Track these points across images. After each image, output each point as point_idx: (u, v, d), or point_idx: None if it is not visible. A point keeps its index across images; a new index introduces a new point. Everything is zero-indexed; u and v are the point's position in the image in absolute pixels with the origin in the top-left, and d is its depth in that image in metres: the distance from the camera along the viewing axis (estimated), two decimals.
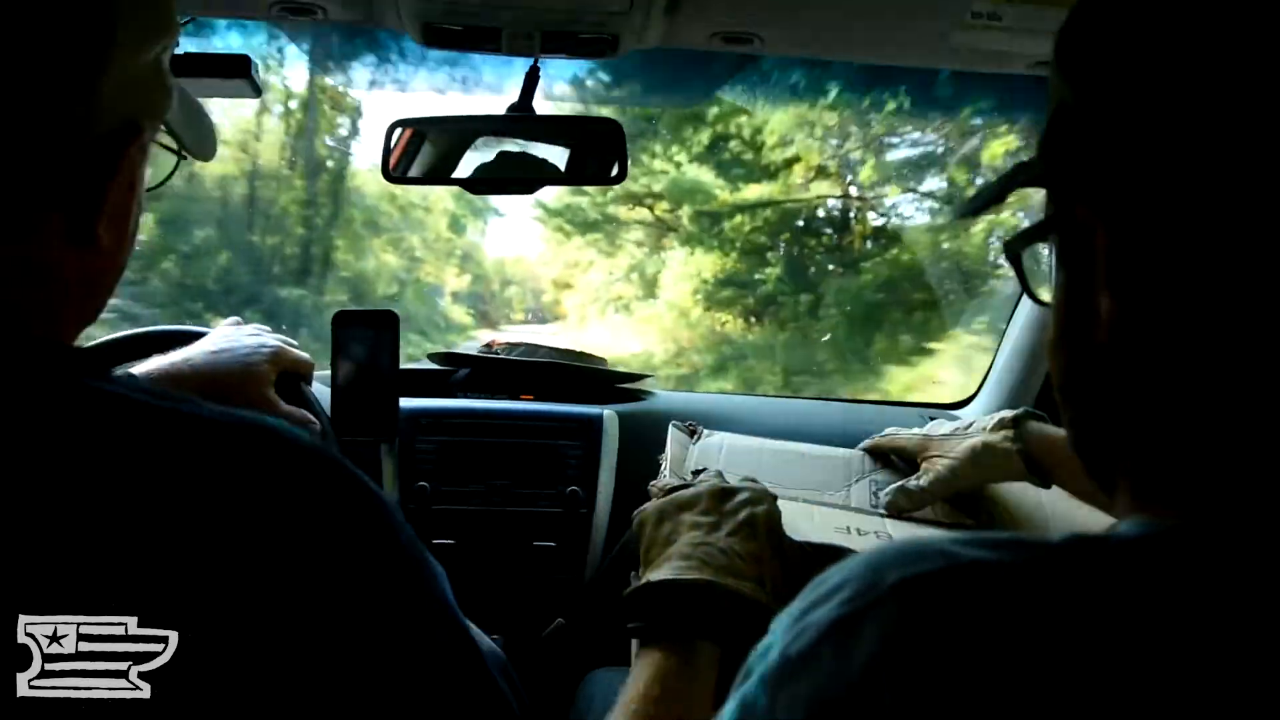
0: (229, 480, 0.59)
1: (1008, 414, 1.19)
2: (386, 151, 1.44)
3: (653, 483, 1.15)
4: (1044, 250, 0.62)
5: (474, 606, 0.73)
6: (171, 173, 0.82)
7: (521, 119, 1.42)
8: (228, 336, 1.25)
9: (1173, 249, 0.50)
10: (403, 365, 1.45)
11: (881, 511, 1.20)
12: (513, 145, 1.48)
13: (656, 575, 0.95)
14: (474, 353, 1.84)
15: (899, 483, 1.22)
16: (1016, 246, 0.62)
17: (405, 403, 1.58)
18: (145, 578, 0.55)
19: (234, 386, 1.19)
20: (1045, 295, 0.62)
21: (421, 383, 1.78)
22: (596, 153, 1.47)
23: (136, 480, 0.57)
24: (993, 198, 0.63)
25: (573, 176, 1.52)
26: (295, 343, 1.31)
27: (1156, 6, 0.53)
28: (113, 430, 0.58)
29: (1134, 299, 0.52)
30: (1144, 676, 0.43)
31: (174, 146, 0.79)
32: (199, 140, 0.78)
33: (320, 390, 1.43)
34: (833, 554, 1.04)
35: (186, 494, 0.57)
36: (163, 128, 0.71)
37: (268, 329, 1.31)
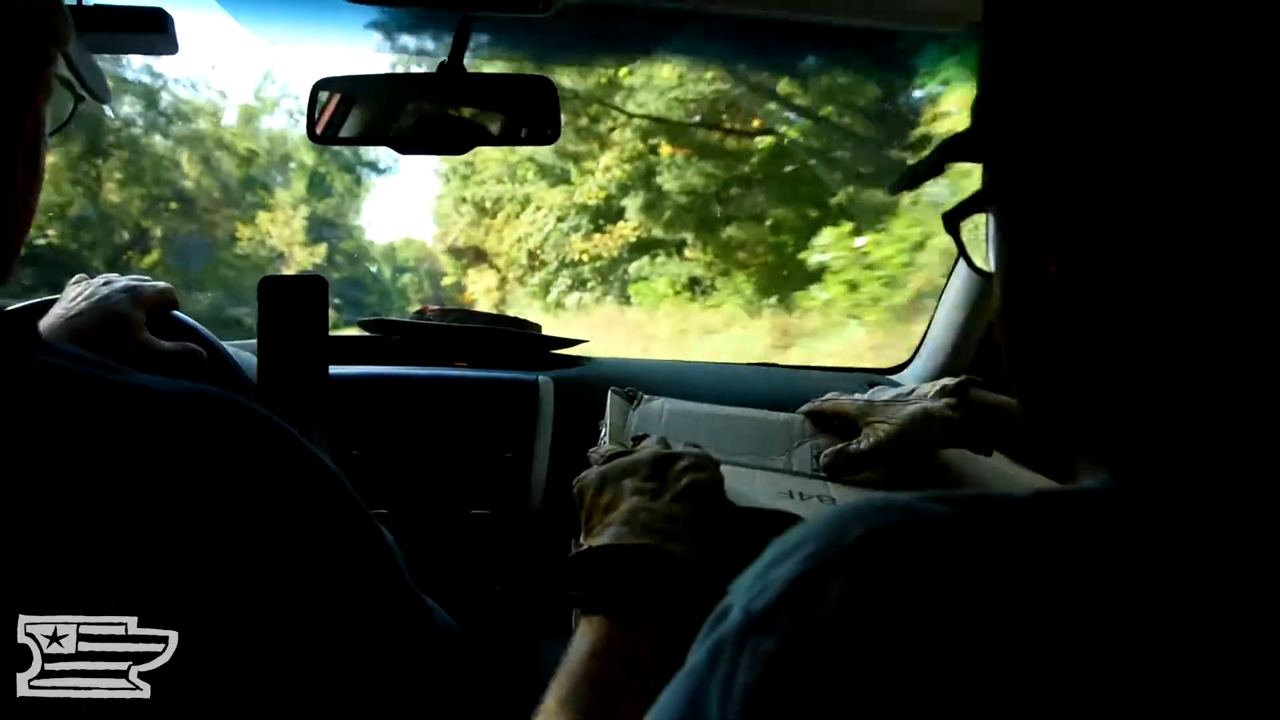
0: (195, 459, 0.59)
1: (949, 381, 1.19)
2: (311, 112, 1.40)
3: (593, 449, 1.13)
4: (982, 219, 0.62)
5: (412, 576, 0.72)
6: (73, 113, 0.78)
7: (452, 78, 1.39)
8: (80, 295, 1.22)
9: (1116, 213, 0.50)
10: (332, 332, 1.42)
11: (824, 475, 1.20)
12: (444, 105, 1.44)
13: (597, 542, 0.93)
14: (406, 319, 1.80)
15: (839, 445, 1.21)
16: (956, 218, 0.62)
17: (336, 370, 1.54)
18: (122, 567, 0.54)
19: (109, 339, 1.16)
20: (983, 264, 0.62)
21: (352, 351, 1.74)
22: (529, 112, 1.44)
23: (101, 460, 0.56)
24: (929, 171, 0.63)
25: (506, 137, 1.49)
26: (146, 277, 1.28)
27: None
28: (69, 408, 0.57)
29: (1079, 266, 0.52)
30: (1111, 626, 0.43)
31: (74, 85, 0.75)
32: (96, 80, 0.74)
33: (249, 359, 1.39)
34: (776, 519, 1.03)
35: (150, 470, 0.57)
36: (63, 64, 0.69)
37: (115, 274, 1.27)
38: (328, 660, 0.60)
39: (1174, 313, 0.49)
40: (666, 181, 6.00)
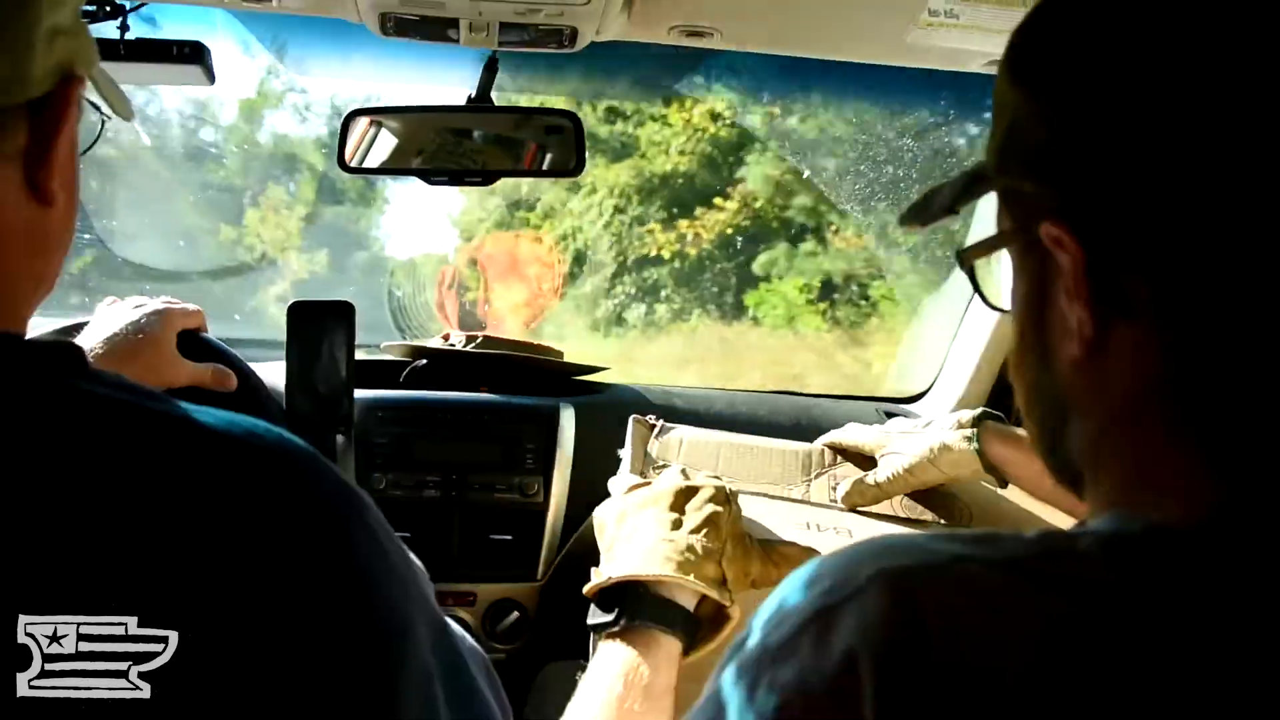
0: (222, 484, 0.59)
1: (966, 414, 1.20)
2: (342, 141, 1.43)
3: (613, 480, 1.15)
4: (997, 259, 0.63)
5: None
6: (100, 133, 0.80)
7: (480, 110, 1.41)
8: (111, 317, 1.23)
9: (1157, 257, 0.51)
10: (358, 357, 1.44)
11: (841, 507, 1.21)
12: (471, 137, 1.47)
13: (618, 571, 0.95)
14: (430, 345, 1.82)
15: (856, 477, 1.23)
16: (972, 257, 0.63)
17: (360, 394, 1.56)
18: (144, 578, 0.54)
19: (139, 360, 1.18)
20: (1001, 303, 0.63)
21: (377, 374, 1.76)
22: (554, 145, 1.46)
23: (129, 485, 0.56)
24: (944, 209, 0.64)
25: (530, 169, 1.51)
26: (175, 300, 1.29)
27: (1116, 13, 0.53)
28: (106, 434, 0.58)
29: (1113, 309, 0.53)
30: (1117, 667, 0.44)
31: (98, 105, 0.77)
32: (119, 99, 0.76)
33: (276, 382, 1.41)
34: (795, 551, 1.05)
35: (179, 499, 0.57)
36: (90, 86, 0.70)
37: (145, 298, 1.29)
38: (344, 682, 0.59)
39: (1219, 361, 0.50)
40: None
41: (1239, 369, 0.50)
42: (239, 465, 0.60)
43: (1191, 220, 0.49)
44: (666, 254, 4.52)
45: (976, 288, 0.64)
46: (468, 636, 0.78)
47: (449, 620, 0.72)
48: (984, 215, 1.52)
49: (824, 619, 0.49)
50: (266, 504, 0.59)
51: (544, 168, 1.50)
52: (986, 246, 0.62)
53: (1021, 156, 0.57)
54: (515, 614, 1.53)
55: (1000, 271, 0.63)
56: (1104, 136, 0.52)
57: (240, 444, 0.61)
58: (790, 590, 0.52)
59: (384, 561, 0.64)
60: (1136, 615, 0.45)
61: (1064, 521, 1.14)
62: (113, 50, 1.20)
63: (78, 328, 1.26)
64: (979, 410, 1.20)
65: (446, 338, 1.84)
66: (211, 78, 1.30)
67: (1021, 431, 1.15)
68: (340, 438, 1.44)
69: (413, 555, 0.69)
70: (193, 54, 1.25)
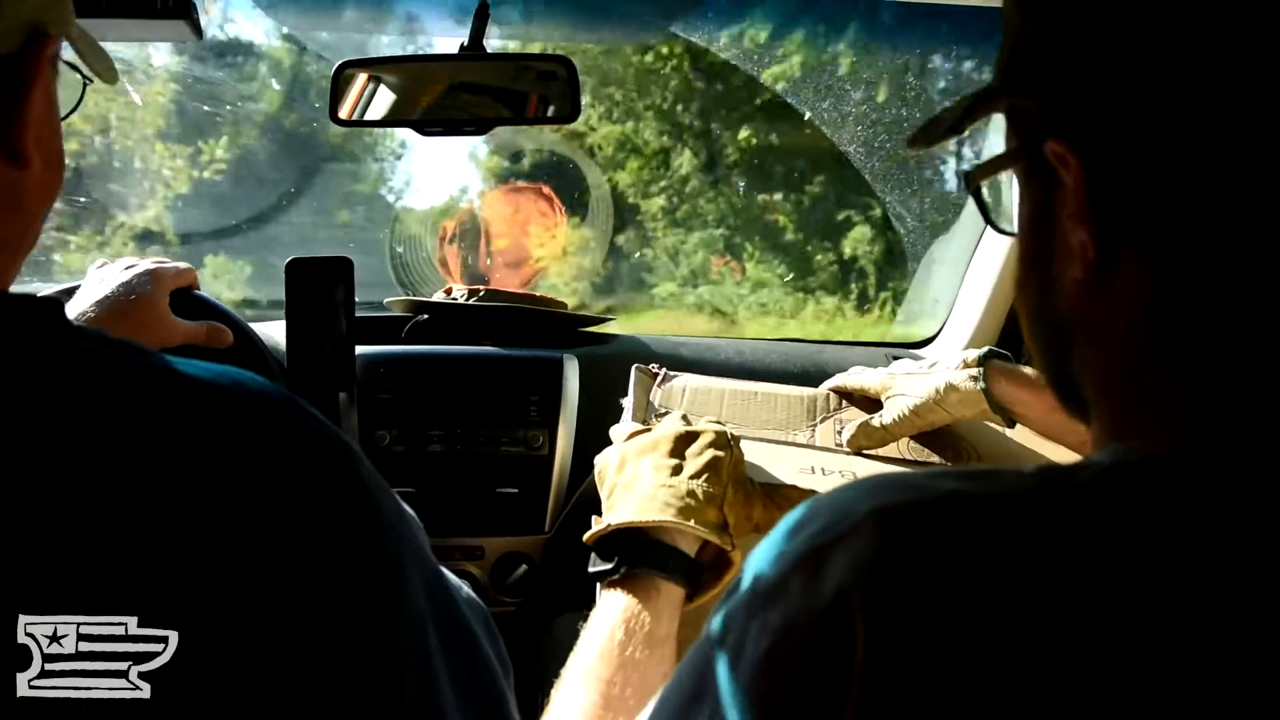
0: (211, 444, 0.58)
1: (972, 353, 1.19)
2: (335, 94, 1.41)
3: (614, 427, 1.14)
4: (1005, 179, 0.62)
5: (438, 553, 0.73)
6: (81, 97, 0.79)
7: (473, 58, 1.39)
8: (102, 278, 1.23)
9: (1157, 180, 0.50)
10: (358, 313, 1.43)
11: (847, 450, 1.20)
12: (464, 86, 1.45)
13: (618, 518, 0.94)
14: (432, 299, 1.81)
15: (861, 419, 1.22)
16: (978, 178, 0.61)
17: (362, 350, 1.56)
18: (141, 558, 0.54)
19: (132, 321, 1.18)
20: (1007, 225, 0.62)
21: (378, 330, 1.76)
22: (549, 91, 1.44)
23: (119, 459, 0.56)
24: (950, 128, 0.62)
25: (526, 116, 1.49)
26: (165, 259, 1.29)
27: None
28: (94, 397, 0.57)
29: (1115, 231, 0.51)
30: (1115, 601, 0.43)
31: (80, 69, 0.75)
32: (103, 62, 0.75)
33: (277, 339, 1.41)
34: (797, 494, 1.04)
35: (170, 468, 0.56)
36: (69, 47, 0.69)
37: (135, 258, 1.29)
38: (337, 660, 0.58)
39: (1216, 288, 0.49)
40: None
41: (1236, 301, 0.49)
42: (226, 419, 0.59)
43: (1194, 146, 0.48)
44: None
45: (983, 210, 0.63)
46: (465, 587, 0.77)
47: (445, 571, 0.71)
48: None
49: (815, 558, 0.48)
50: (255, 462, 0.59)
51: (541, 115, 1.48)
52: (992, 166, 0.61)
53: (1026, 74, 0.56)
54: (523, 567, 1.53)
55: (1008, 195, 0.62)
56: (1107, 54, 0.51)
57: (227, 395, 0.61)
58: (781, 532, 0.52)
59: (374, 512, 0.63)
60: (1129, 550, 0.44)
61: (1072, 460, 1.12)
62: (93, 6, 1.18)
63: (69, 292, 1.25)
64: (985, 349, 1.19)
65: (449, 291, 1.83)
66: (199, 32, 1.28)
67: (1028, 370, 1.13)
68: (343, 395, 1.44)
69: (406, 507, 0.69)
70: (178, 7, 1.22)
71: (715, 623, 0.51)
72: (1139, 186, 0.50)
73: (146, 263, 1.25)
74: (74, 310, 1.17)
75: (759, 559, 0.51)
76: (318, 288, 1.39)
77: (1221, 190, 0.48)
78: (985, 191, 0.62)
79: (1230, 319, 0.49)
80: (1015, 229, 0.60)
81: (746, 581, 0.51)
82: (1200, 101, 0.48)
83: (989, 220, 0.64)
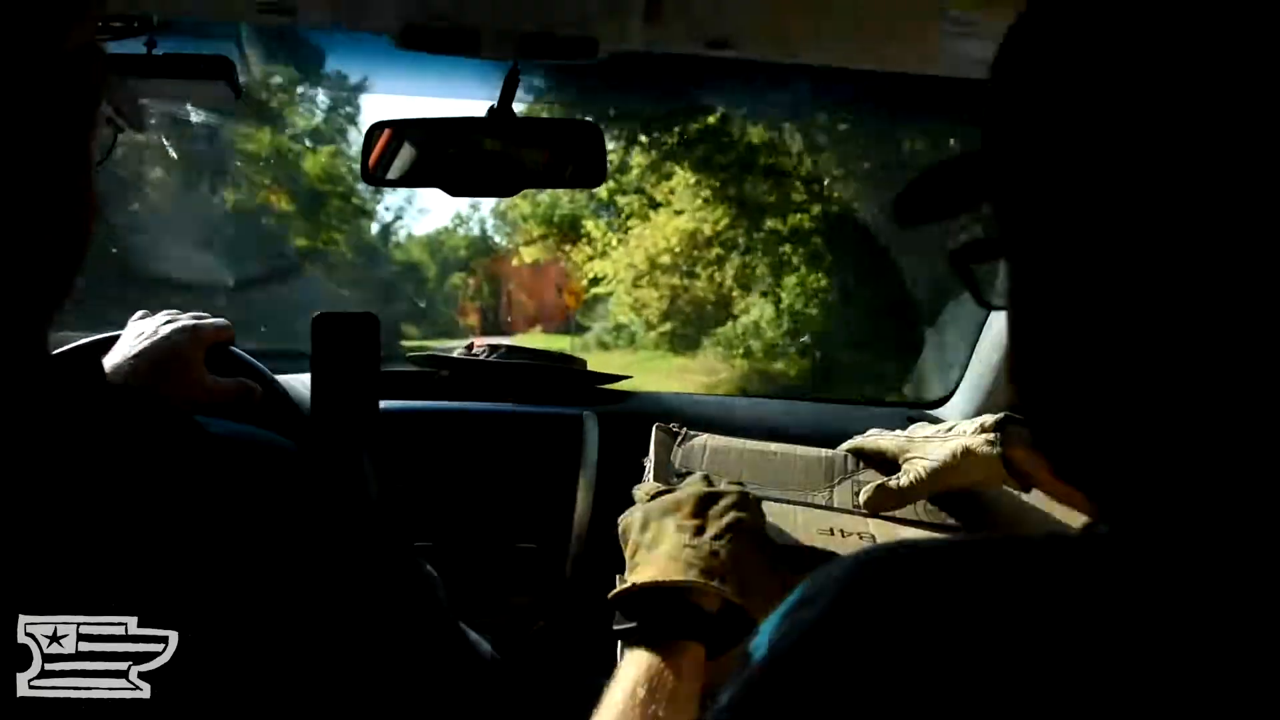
0: (228, 482, 0.60)
1: (989, 418, 1.20)
2: (366, 153, 1.44)
3: (637, 487, 1.15)
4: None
5: (456, 609, 0.74)
6: (112, 146, 0.81)
7: (501, 121, 1.42)
8: (142, 332, 1.25)
9: (1116, 257, 0.50)
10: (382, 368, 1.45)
11: (864, 512, 1.21)
12: (492, 147, 1.48)
13: (641, 578, 0.95)
14: (454, 355, 1.84)
15: (878, 481, 1.23)
16: (964, 259, 0.63)
17: (385, 404, 1.58)
18: (145, 577, 0.55)
19: (167, 377, 1.20)
20: (999, 301, 0.63)
21: (401, 385, 1.78)
22: (575, 155, 1.47)
23: (136, 477, 0.57)
24: (942, 211, 0.64)
25: (551, 179, 1.53)
26: (205, 315, 1.32)
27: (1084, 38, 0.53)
28: (107, 435, 0.58)
29: (1085, 307, 0.52)
30: (1072, 662, 0.44)
31: (114, 118, 0.77)
32: (134, 111, 0.77)
33: (301, 392, 1.43)
34: (817, 557, 1.05)
35: (184, 492, 0.58)
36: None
37: (175, 312, 1.31)
38: (350, 686, 0.60)
39: (1177, 360, 0.49)
40: None
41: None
42: (233, 464, 0.61)
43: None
44: None
45: (973, 288, 0.64)
46: (482, 642, 0.78)
47: (461, 625, 0.72)
48: None
49: (808, 640, 0.49)
50: (257, 467, 0.61)
51: (566, 178, 1.51)
52: (977, 251, 0.62)
53: (1000, 166, 0.57)
54: (541, 623, 1.53)
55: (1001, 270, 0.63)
56: (1048, 148, 0.52)
57: (234, 444, 0.63)
58: (798, 597, 0.53)
59: (374, 557, 0.65)
60: (1107, 621, 0.45)
61: None
62: (138, 65, 1.21)
63: (109, 341, 1.27)
64: (1002, 414, 1.20)
65: (470, 348, 1.85)
66: (238, 93, 1.31)
67: None
68: (364, 448, 1.46)
69: (426, 565, 0.70)
70: (218, 70, 1.26)
71: (736, 687, 0.52)
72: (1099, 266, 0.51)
73: (186, 318, 1.27)
74: (111, 361, 1.20)
75: (776, 623, 0.52)
76: (343, 343, 1.42)
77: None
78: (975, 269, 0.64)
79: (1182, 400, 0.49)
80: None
81: (764, 647, 0.52)
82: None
83: (978, 299, 0.65)
